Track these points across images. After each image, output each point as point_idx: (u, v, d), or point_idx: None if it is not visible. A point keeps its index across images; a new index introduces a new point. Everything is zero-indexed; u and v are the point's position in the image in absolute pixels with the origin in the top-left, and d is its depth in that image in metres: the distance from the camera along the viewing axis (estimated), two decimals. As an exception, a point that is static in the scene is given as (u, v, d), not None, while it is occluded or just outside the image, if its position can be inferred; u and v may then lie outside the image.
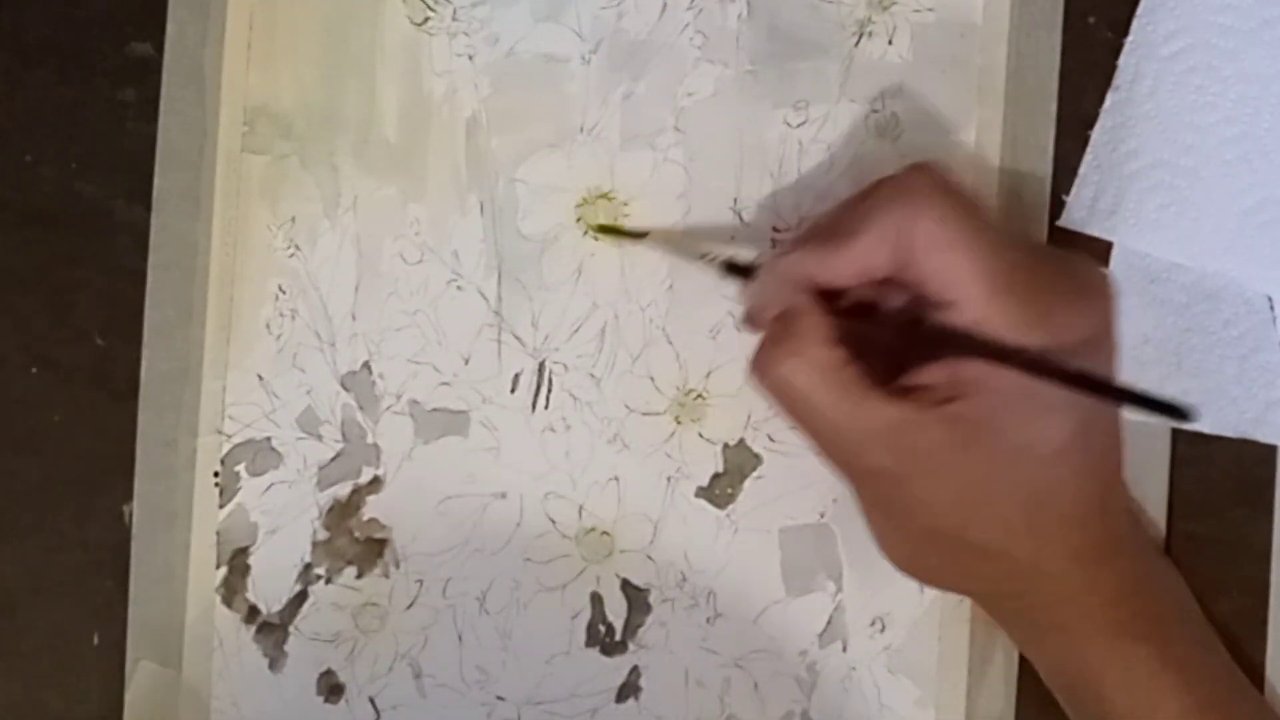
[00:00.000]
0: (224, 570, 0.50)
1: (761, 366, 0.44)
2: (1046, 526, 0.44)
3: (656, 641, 0.50)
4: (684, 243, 0.49)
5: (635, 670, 0.50)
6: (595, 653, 0.50)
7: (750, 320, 0.46)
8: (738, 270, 0.47)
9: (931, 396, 0.43)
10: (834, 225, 0.45)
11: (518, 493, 0.50)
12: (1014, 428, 0.43)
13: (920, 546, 0.45)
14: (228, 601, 0.50)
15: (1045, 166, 0.49)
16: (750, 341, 0.44)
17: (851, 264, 0.44)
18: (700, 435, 0.50)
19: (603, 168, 0.49)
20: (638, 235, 0.49)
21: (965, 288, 0.42)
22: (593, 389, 0.50)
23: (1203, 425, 0.48)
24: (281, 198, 0.50)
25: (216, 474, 0.50)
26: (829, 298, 0.44)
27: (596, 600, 0.49)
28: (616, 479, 0.50)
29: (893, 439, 0.43)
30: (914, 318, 0.43)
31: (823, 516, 0.49)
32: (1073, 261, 0.46)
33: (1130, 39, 0.49)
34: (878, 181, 0.45)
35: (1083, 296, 0.44)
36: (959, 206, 0.43)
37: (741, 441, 0.49)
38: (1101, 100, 0.49)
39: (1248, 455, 0.49)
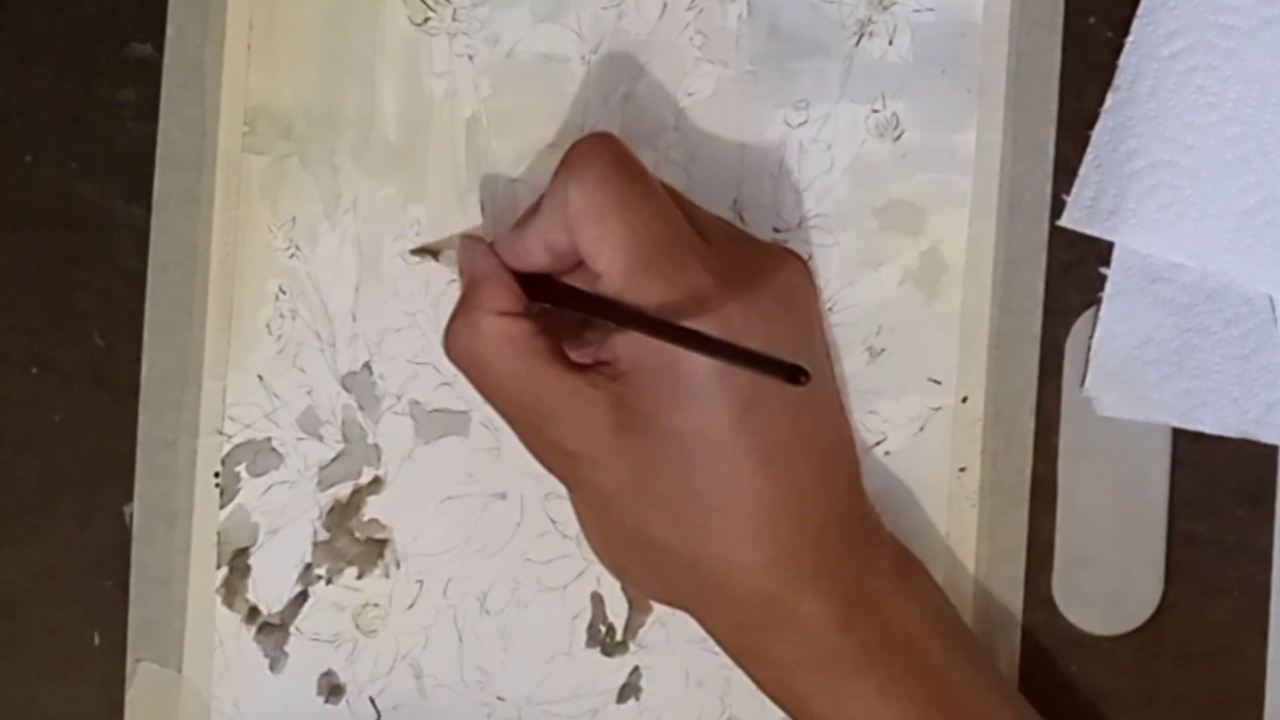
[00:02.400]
0: (224, 571, 0.50)
1: (444, 334, 0.44)
2: (728, 533, 0.42)
3: (657, 641, 0.50)
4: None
5: (636, 670, 0.50)
6: (596, 653, 0.50)
7: None
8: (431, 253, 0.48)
9: (604, 374, 0.43)
10: (532, 207, 0.45)
11: (518, 493, 0.50)
12: (666, 413, 0.42)
13: (614, 544, 0.44)
14: (228, 602, 0.50)
15: (1045, 166, 0.49)
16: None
17: (534, 243, 0.44)
18: (700, 435, 0.50)
19: (603, 168, 0.49)
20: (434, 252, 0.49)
21: (608, 255, 0.42)
22: (593, 389, 0.50)
23: (1204, 425, 0.48)
24: (281, 198, 0.50)
25: (217, 474, 0.50)
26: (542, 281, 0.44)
27: (597, 600, 0.49)
28: (617, 479, 0.50)
29: (563, 413, 0.42)
30: (574, 290, 0.44)
31: (823, 517, 0.49)
32: (758, 248, 0.46)
33: (1131, 39, 0.49)
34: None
35: (742, 278, 0.43)
36: (616, 175, 0.43)
37: (742, 442, 0.49)
38: (1102, 100, 0.49)
39: (1248, 455, 0.49)
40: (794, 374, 0.38)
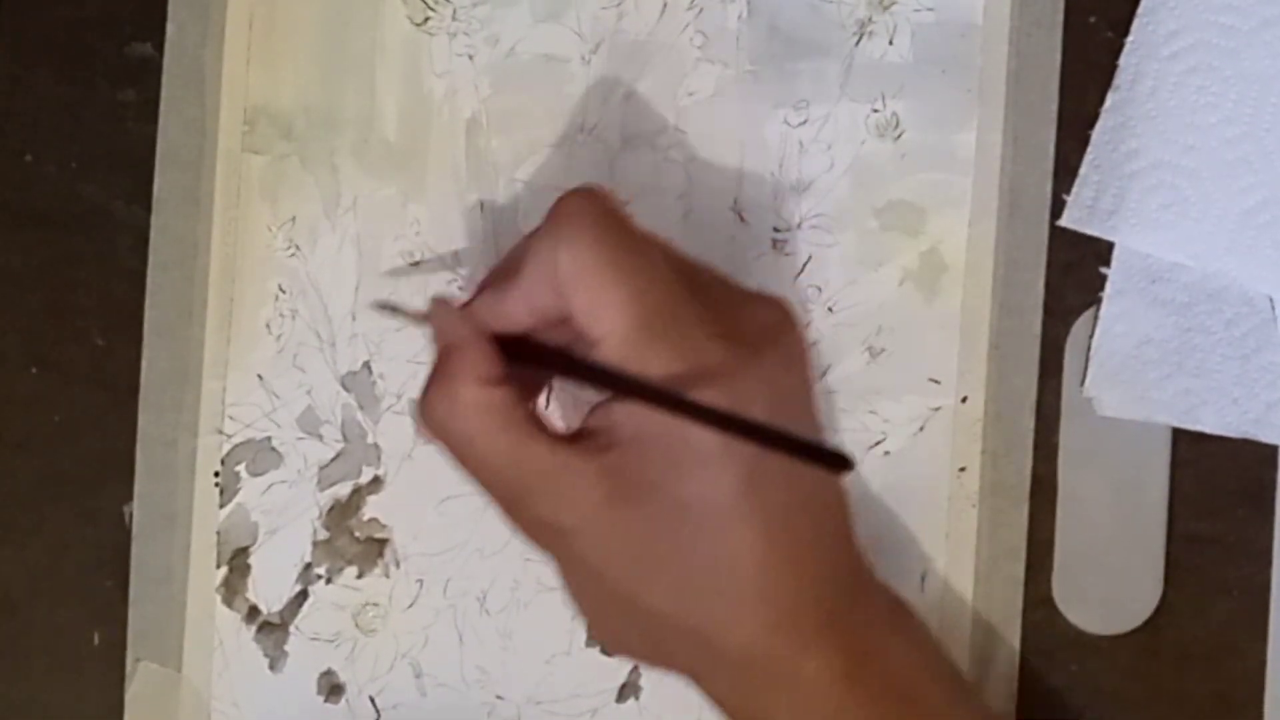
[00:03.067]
0: (224, 570, 0.50)
1: (419, 404, 0.42)
2: (729, 597, 0.41)
3: (657, 641, 0.50)
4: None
5: (635, 670, 0.50)
6: (595, 653, 0.50)
7: None
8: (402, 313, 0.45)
9: (595, 444, 0.41)
10: (508, 264, 0.43)
11: (518, 493, 0.50)
12: (669, 482, 0.40)
13: (607, 615, 0.43)
14: (228, 601, 0.50)
15: (1045, 166, 0.49)
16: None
17: (518, 305, 0.41)
18: (700, 435, 0.49)
19: (603, 168, 0.49)
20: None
21: (607, 322, 0.40)
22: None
23: (1204, 425, 0.48)
24: (281, 198, 0.50)
25: (217, 474, 0.50)
26: (518, 342, 0.42)
27: (597, 600, 0.50)
28: (616, 479, 0.50)
29: (551, 487, 0.41)
30: (564, 355, 0.41)
31: (823, 517, 0.49)
32: (751, 303, 0.43)
33: (1131, 39, 0.49)
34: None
35: (746, 342, 0.41)
36: (610, 235, 0.41)
37: (742, 442, 0.49)
38: (1102, 100, 0.49)
39: (1249, 455, 0.49)
40: (839, 463, 0.37)
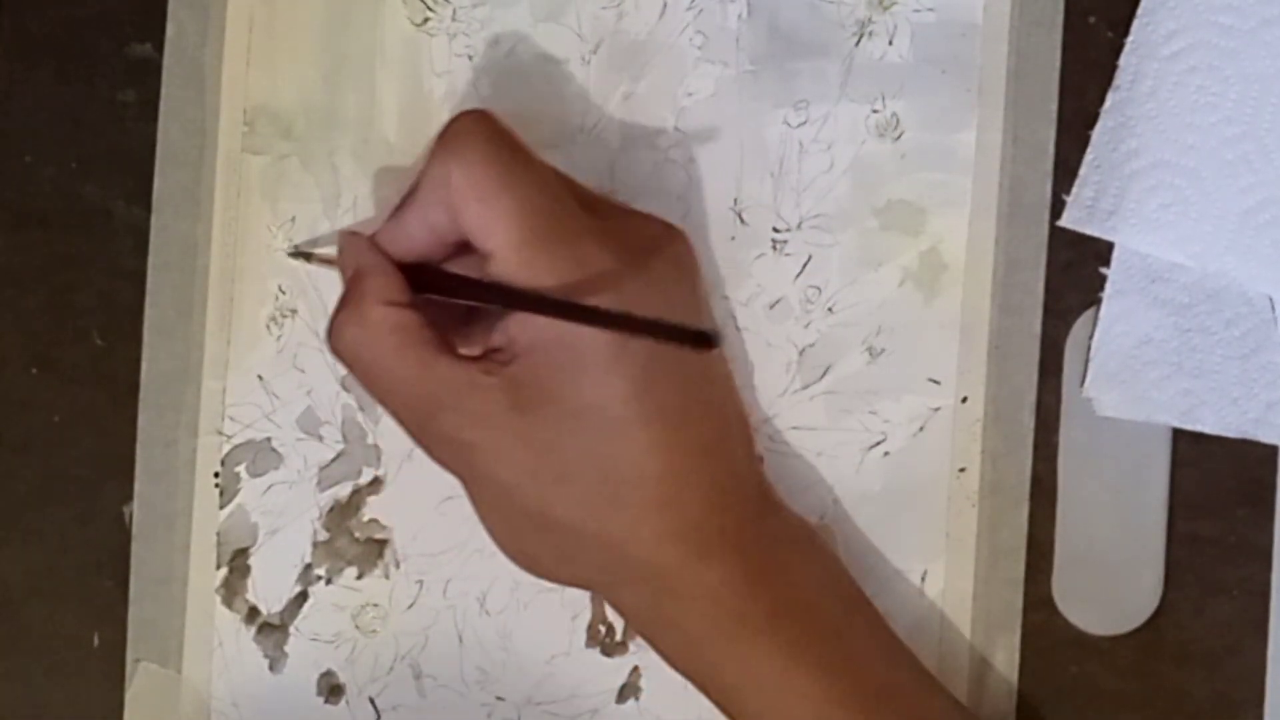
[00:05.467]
0: (224, 571, 0.50)
1: (329, 329, 0.43)
2: (633, 504, 0.42)
3: (657, 642, 0.50)
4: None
5: (635, 670, 0.50)
6: (595, 653, 0.50)
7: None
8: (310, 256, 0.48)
9: (499, 359, 0.42)
10: (408, 191, 0.44)
11: (518, 493, 0.49)
12: (566, 389, 0.41)
13: (518, 532, 0.44)
14: (228, 602, 0.50)
15: (1045, 166, 0.49)
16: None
17: (415, 227, 0.43)
18: (700, 435, 0.50)
19: (603, 168, 0.49)
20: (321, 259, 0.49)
21: (499, 234, 0.41)
22: (593, 389, 0.50)
23: (1204, 425, 0.48)
24: (281, 198, 0.50)
25: (217, 474, 0.50)
26: (421, 271, 0.43)
27: (596, 600, 0.49)
28: (616, 479, 0.50)
29: (458, 403, 0.42)
30: (462, 279, 0.43)
31: (823, 517, 0.49)
32: (639, 219, 0.45)
33: (1131, 39, 0.49)
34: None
35: (634, 250, 0.43)
36: (498, 152, 0.42)
37: (742, 442, 0.49)
38: (1102, 100, 0.49)
39: (1249, 455, 0.49)
40: (702, 340, 0.38)
